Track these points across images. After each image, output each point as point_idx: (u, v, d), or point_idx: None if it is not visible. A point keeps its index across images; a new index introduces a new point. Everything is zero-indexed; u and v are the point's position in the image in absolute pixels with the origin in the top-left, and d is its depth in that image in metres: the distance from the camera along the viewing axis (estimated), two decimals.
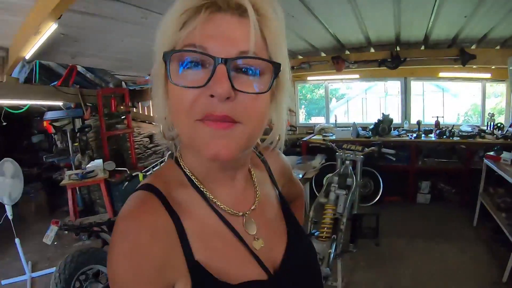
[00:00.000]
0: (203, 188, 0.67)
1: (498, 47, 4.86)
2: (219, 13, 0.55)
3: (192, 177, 0.67)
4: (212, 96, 0.53)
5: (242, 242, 0.66)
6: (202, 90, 0.54)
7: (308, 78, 6.67)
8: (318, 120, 7.47)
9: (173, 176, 0.68)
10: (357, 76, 6.28)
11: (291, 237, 0.77)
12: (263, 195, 0.78)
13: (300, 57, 5.80)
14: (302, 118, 7.64)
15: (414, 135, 5.59)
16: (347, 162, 3.53)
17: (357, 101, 7.68)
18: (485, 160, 4.18)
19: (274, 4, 0.60)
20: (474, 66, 5.17)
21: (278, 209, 0.82)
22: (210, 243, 0.63)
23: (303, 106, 7.92)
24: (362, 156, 3.64)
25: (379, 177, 5.34)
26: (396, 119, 6.34)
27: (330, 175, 3.42)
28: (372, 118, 6.15)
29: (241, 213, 0.70)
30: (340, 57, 5.43)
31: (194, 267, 0.59)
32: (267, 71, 0.58)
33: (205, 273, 0.60)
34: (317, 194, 3.35)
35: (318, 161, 4.96)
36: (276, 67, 0.58)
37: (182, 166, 0.69)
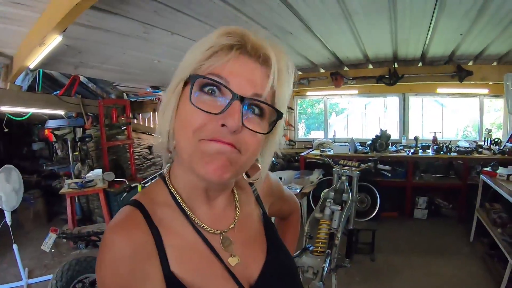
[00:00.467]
0: (185, 207, 0.72)
1: (495, 63, 4.92)
2: (245, 56, 0.65)
3: (176, 195, 0.72)
4: (223, 125, 0.60)
5: (218, 258, 0.71)
6: (214, 117, 0.61)
7: (307, 93, 6.71)
8: (318, 134, 7.48)
9: (159, 194, 0.74)
10: (355, 91, 6.32)
11: (270, 255, 0.81)
12: (244, 215, 0.83)
13: (300, 73, 5.84)
14: (301, 133, 7.64)
15: (412, 150, 5.61)
16: (343, 177, 3.56)
17: (357, 116, 7.71)
18: (482, 176, 4.22)
19: (288, 60, 0.70)
20: (471, 82, 5.20)
21: (260, 228, 0.86)
22: (186, 258, 0.68)
23: (302, 121, 7.94)
24: (358, 172, 3.67)
25: (376, 192, 5.36)
26: (396, 134, 6.38)
27: (326, 190, 3.45)
28: (371, 133, 6.15)
29: (219, 231, 0.74)
30: (338, 73, 5.47)
31: (169, 278, 0.65)
32: (269, 115, 0.68)
33: (179, 285, 0.65)
34: (315, 208, 3.38)
35: (315, 176, 5.01)
36: (279, 115, 0.68)
37: (169, 185, 0.74)
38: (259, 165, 0.78)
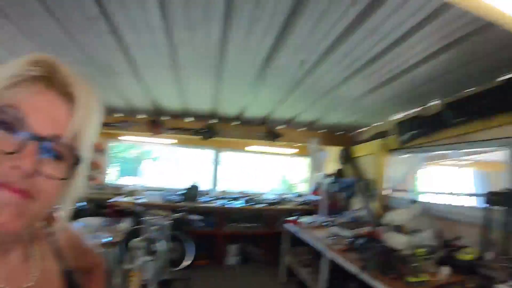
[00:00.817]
0: None
1: (303, 129, 5.85)
2: (51, 91, 0.58)
3: None
4: (14, 167, 0.51)
5: None
6: (5, 156, 0.51)
7: (123, 137, 6.42)
8: (131, 180, 7.22)
9: None
10: (173, 141, 6.43)
11: None
12: (44, 270, 0.73)
13: (117, 115, 5.54)
14: (113, 177, 7.22)
15: (223, 201, 5.98)
16: (154, 227, 3.52)
17: (172, 165, 7.79)
18: (285, 225, 4.86)
19: (97, 100, 0.65)
20: (282, 143, 5.98)
21: (61, 284, 0.77)
22: None
23: (116, 165, 7.60)
24: (169, 221, 3.68)
25: (189, 241, 5.39)
26: (208, 185, 6.69)
27: (137, 239, 3.33)
28: (185, 182, 6.25)
29: None
30: (158, 121, 5.47)
31: None
32: (69, 158, 0.60)
33: None
34: (125, 259, 3.20)
35: (126, 224, 4.78)
36: (80, 159, 0.61)
37: None
38: (59, 213, 0.69)
